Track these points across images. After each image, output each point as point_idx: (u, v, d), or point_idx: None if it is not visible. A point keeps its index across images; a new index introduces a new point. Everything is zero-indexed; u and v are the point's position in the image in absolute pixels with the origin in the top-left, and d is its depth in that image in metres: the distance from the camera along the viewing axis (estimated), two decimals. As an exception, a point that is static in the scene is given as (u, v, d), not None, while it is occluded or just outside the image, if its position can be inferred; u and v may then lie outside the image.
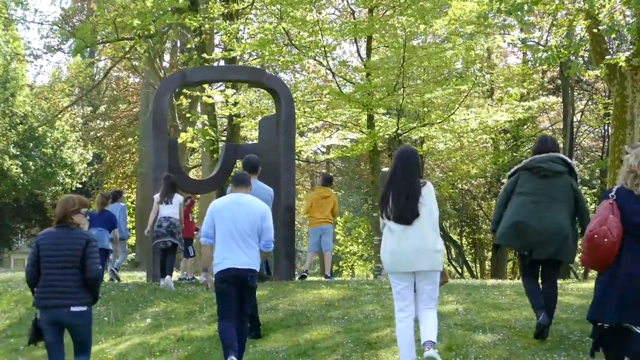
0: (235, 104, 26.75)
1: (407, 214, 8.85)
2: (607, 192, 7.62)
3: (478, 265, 45.52)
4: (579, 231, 9.87)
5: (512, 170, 10.14)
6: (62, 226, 8.86)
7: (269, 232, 10.05)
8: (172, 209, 16.29)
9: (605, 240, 7.23)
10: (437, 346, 8.75)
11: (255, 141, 24.89)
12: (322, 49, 23.93)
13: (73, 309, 8.60)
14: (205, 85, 27.33)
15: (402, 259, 8.77)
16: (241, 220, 9.89)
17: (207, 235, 9.98)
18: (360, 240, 45.19)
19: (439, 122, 24.78)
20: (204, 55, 26.95)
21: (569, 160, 10.06)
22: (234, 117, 27.37)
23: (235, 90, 26.91)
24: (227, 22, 27.38)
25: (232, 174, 24.15)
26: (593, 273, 33.17)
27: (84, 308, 8.69)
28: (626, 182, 7.48)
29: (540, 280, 9.94)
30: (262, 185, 11.94)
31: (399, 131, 24.84)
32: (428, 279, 8.81)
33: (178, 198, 16.46)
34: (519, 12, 17.39)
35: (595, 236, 7.28)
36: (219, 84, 33.14)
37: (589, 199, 37.00)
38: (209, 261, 10.18)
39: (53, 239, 8.80)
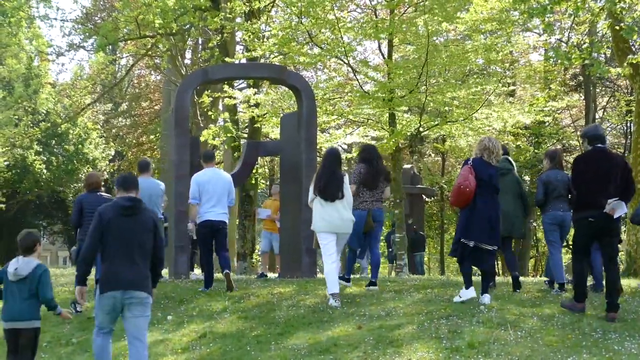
0: (256, 105, 26.74)
1: (334, 194, 12.99)
2: (466, 161, 12.40)
3: (500, 262, 45.44)
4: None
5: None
6: (97, 192, 14.00)
7: (233, 193, 15.36)
8: None
9: (468, 189, 11.89)
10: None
11: (276, 138, 24.94)
12: (343, 47, 23.85)
13: None
14: (226, 86, 27.36)
15: (331, 224, 12.99)
16: (218, 187, 14.95)
17: (194, 198, 14.98)
18: (381, 238, 45.24)
19: (462, 121, 24.68)
20: (226, 58, 26.98)
21: (513, 161, 14.66)
22: (255, 117, 27.34)
23: (256, 90, 26.89)
24: (249, 21, 27.39)
25: (253, 171, 24.23)
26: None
27: None
28: (482, 154, 12.26)
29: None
30: (154, 180, 15.80)
31: (421, 128, 24.77)
32: (343, 238, 13.33)
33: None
34: (542, 14, 17.31)
35: (461, 187, 11.93)
36: (241, 81, 33.19)
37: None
38: (195, 216, 15.21)
39: (93, 199, 13.64)
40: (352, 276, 15.54)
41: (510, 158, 14.45)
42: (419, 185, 31.44)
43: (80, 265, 9.74)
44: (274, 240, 19.99)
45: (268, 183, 48.16)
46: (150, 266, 9.51)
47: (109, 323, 9.47)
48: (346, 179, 13.24)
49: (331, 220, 12.98)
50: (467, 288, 12.24)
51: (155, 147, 46.04)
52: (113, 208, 9.47)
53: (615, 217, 11.12)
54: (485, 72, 32.11)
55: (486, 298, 12.06)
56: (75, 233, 14.36)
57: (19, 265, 9.87)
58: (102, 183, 14.24)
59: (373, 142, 27.05)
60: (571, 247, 12.08)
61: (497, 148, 12.39)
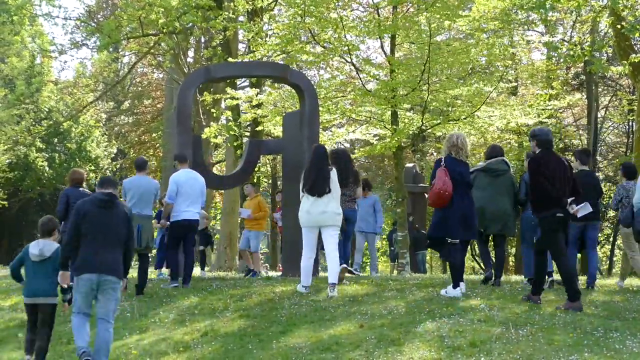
0: (259, 105, 26.71)
1: (321, 189, 13.59)
2: (438, 161, 12.83)
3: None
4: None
5: (471, 170, 13.67)
6: (79, 187, 15.24)
7: (205, 195, 16.12)
8: None
9: (447, 193, 12.41)
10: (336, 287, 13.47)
11: (279, 136, 24.91)
12: (346, 46, 23.80)
13: None
14: (228, 87, 27.34)
15: (312, 218, 13.63)
16: (194, 188, 15.65)
17: (171, 198, 15.51)
18: (384, 236, 45.24)
19: (464, 119, 24.60)
20: (229, 59, 26.96)
21: (509, 162, 14.93)
22: (257, 118, 27.34)
23: (258, 90, 26.84)
24: (251, 20, 27.38)
25: (255, 169, 24.22)
26: (616, 270, 32.93)
27: None
28: (450, 152, 12.81)
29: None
30: (150, 179, 16.08)
31: (423, 127, 24.71)
32: (330, 230, 13.67)
33: None
34: (542, 10, 17.29)
35: (441, 191, 12.42)
36: (242, 80, 33.18)
37: (613, 196, 36.64)
38: (170, 213, 15.66)
39: (77, 193, 14.75)
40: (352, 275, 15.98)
41: (506, 159, 14.89)
42: (421, 184, 31.33)
43: (62, 252, 10.82)
44: (251, 238, 20.10)
45: (270, 182, 48.18)
46: (122, 255, 10.68)
47: (86, 306, 10.44)
48: (333, 173, 13.80)
49: (313, 214, 13.65)
50: (454, 287, 12.91)
51: (157, 145, 46.08)
52: (91, 201, 10.74)
53: (578, 216, 12.17)
54: (487, 70, 31.98)
55: (461, 285, 12.99)
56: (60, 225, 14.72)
57: (42, 247, 11.07)
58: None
59: (375, 141, 27.03)
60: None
61: (466, 144, 13.00)
